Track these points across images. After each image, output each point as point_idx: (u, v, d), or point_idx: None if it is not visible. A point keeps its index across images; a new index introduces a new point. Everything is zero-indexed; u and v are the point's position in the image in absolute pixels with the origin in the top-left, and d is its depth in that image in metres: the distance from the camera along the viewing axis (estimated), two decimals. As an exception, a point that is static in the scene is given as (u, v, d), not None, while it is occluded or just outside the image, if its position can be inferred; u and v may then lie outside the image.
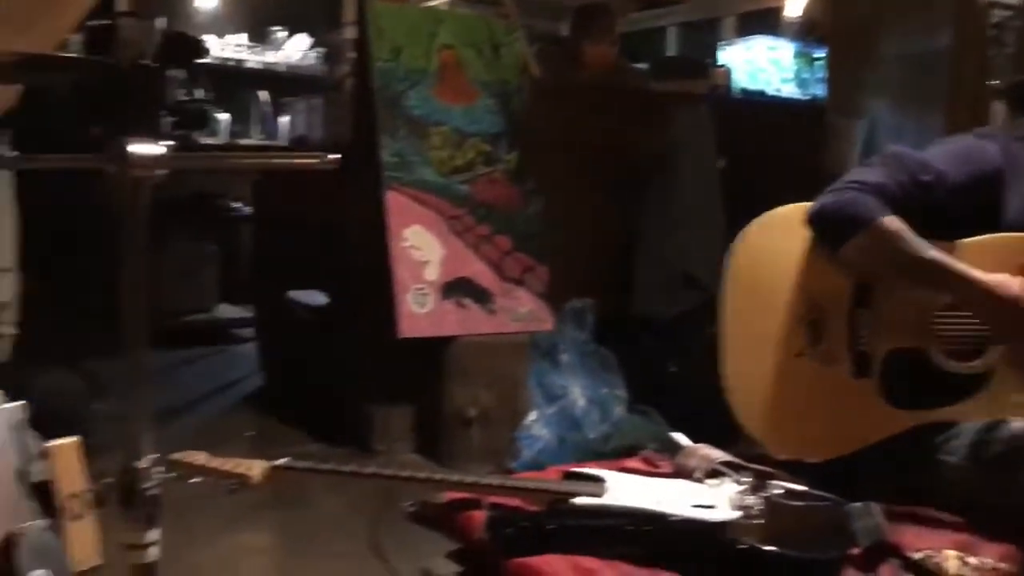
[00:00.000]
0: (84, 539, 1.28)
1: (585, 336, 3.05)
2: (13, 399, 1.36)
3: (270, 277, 4.11)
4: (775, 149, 3.42)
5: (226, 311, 4.94)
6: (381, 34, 3.02)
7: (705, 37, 6.32)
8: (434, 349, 3.03)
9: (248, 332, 4.63)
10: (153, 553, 1.00)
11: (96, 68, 1.12)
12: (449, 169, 3.11)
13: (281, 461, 1.57)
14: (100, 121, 4.77)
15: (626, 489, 1.47)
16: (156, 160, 0.92)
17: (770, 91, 4.86)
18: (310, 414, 3.43)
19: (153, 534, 1.00)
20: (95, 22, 3.77)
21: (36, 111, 2.04)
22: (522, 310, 3.11)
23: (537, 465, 2.74)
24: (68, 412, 1.40)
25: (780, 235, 1.66)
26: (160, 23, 4.73)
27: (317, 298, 3.85)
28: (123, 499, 0.98)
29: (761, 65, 4.99)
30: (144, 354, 1.00)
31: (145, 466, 0.98)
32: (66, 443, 1.32)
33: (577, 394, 2.94)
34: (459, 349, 3.02)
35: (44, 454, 1.30)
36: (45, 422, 1.35)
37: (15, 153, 1.07)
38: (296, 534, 2.54)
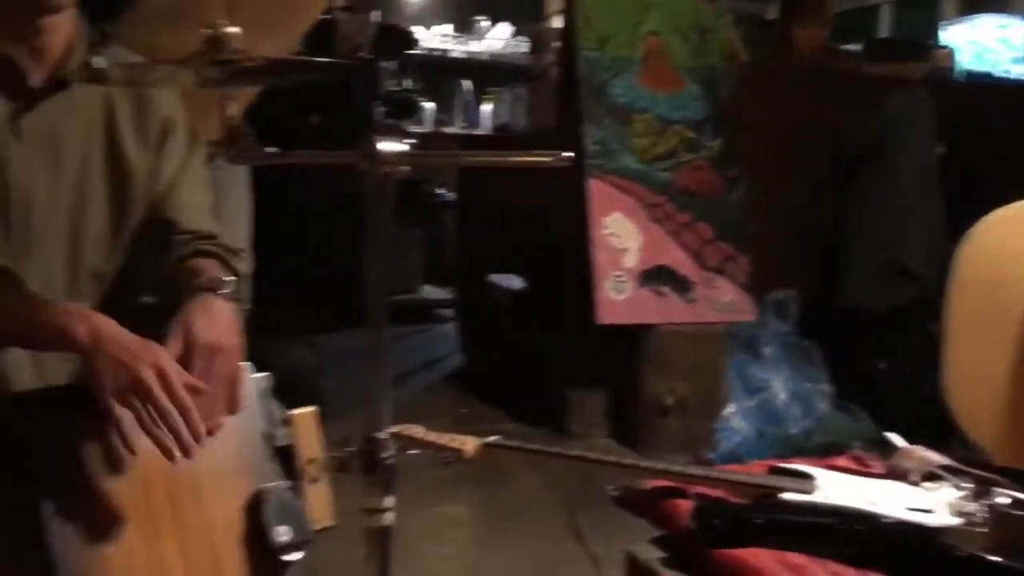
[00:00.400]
0: (321, 501, 1.39)
1: (788, 328, 2.98)
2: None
3: (471, 261, 4.26)
4: (1003, 135, 3.19)
5: (429, 292, 5.16)
6: (588, 24, 3.05)
7: (924, 16, 5.96)
8: (632, 336, 3.04)
9: (450, 313, 4.82)
10: (389, 518, 1.08)
11: (338, 70, 1.21)
12: (651, 156, 3.11)
13: (493, 439, 1.65)
14: (320, 111, 5.09)
15: (837, 487, 1.44)
16: (403, 157, 0.99)
17: (998, 73, 4.53)
18: (508, 394, 3.54)
19: (389, 500, 1.08)
20: (316, 18, 4.01)
21: (263, 103, 2.19)
22: (722, 300, 3.07)
23: (735, 457, 2.72)
24: (304, 383, 1.52)
25: (1016, 232, 1.57)
26: (374, 17, 4.98)
27: (516, 282, 3.96)
28: (364, 466, 1.07)
29: (988, 45, 4.65)
30: (384, 333, 1.07)
31: (384, 437, 1.06)
32: (306, 411, 1.42)
33: (778, 387, 2.88)
34: (657, 337, 3.02)
35: (286, 421, 1.41)
36: (283, 392, 1.47)
37: (273, 149, 1.17)
38: (495, 509, 2.63)
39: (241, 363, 1.34)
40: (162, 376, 1.19)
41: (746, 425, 2.86)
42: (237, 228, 2.59)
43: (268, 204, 2.73)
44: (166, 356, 1.23)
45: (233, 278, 1.40)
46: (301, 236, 5.43)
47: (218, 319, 1.32)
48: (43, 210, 1.43)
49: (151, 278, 1.55)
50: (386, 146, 0.99)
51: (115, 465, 1.21)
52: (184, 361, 1.26)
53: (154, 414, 1.18)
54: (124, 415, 1.17)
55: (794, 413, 2.85)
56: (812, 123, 3.19)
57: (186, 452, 1.20)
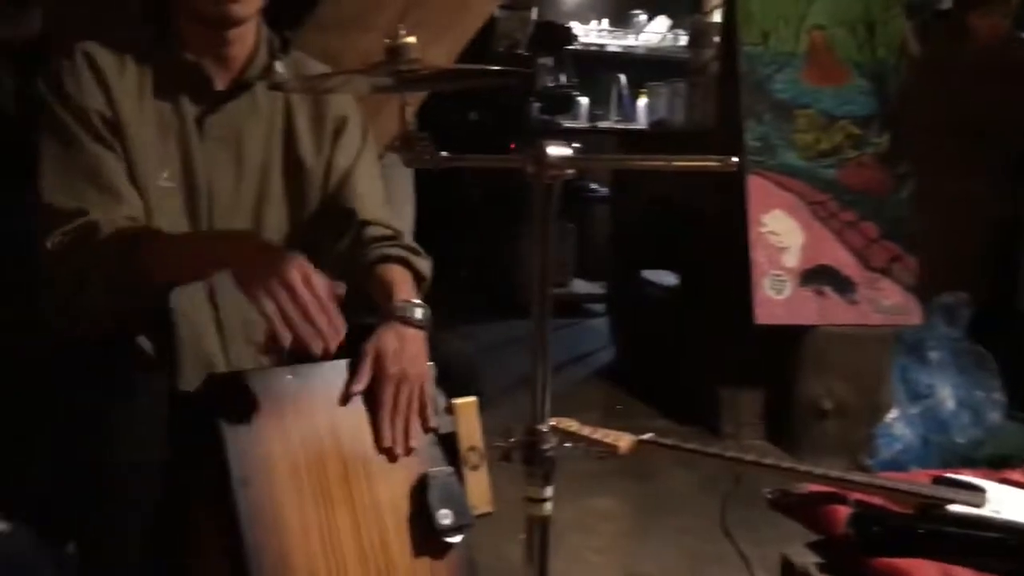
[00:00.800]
0: (480, 487, 1.45)
1: (958, 333, 2.84)
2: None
3: (623, 256, 4.26)
4: None
5: (580, 286, 5.20)
6: (750, 19, 3.00)
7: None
8: (789, 336, 2.98)
9: (600, 307, 4.84)
10: (548, 508, 1.13)
11: (508, 76, 1.25)
12: (815, 153, 3.03)
13: (647, 436, 1.67)
14: (478, 108, 5.21)
15: (1009, 502, 1.39)
16: (569, 161, 1.03)
17: None
18: (658, 390, 3.54)
19: (549, 491, 1.12)
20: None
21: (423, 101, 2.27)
22: (887, 302, 2.96)
23: (897, 465, 2.62)
24: (464, 374, 1.58)
25: None
26: (533, 14, 5.05)
27: (668, 278, 3.94)
28: (525, 457, 1.12)
29: None
30: (546, 326, 1.11)
31: (545, 429, 1.10)
32: (467, 401, 1.48)
33: (946, 394, 2.75)
34: (816, 338, 2.95)
35: (449, 409, 1.48)
36: (444, 382, 1.53)
37: (443, 153, 1.22)
38: (646, 505, 2.65)
39: (429, 387, 1.41)
40: (305, 276, 1.26)
41: (909, 432, 2.75)
42: (403, 221, 2.71)
43: (425, 197, 2.83)
44: (306, 262, 1.29)
45: (421, 305, 1.46)
46: (455, 228, 5.59)
47: (407, 348, 1.40)
48: (227, 205, 1.54)
49: (330, 265, 1.65)
50: (554, 151, 1.02)
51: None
52: (374, 389, 1.36)
53: (296, 309, 1.24)
54: (271, 310, 1.24)
55: (962, 422, 2.71)
56: (989, 117, 3.03)
57: (327, 343, 1.26)
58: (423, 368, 1.42)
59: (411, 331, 1.42)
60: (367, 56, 2.00)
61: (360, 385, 1.37)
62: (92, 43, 1.48)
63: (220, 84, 1.53)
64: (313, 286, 1.26)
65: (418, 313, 1.44)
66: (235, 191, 1.54)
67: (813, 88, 3.04)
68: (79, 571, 1.34)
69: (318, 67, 1.68)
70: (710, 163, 0.94)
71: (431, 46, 1.98)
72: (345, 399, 1.37)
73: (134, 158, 1.46)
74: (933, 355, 2.80)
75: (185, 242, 1.43)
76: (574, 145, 1.05)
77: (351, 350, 1.41)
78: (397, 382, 1.38)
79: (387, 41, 1.16)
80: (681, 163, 0.97)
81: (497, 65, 1.23)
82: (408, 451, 1.38)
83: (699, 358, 3.32)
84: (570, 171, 1.04)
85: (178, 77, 1.51)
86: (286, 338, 1.24)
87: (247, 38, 1.54)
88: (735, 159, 0.92)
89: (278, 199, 1.59)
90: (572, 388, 3.80)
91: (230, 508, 1.23)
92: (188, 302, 1.46)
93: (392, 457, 1.38)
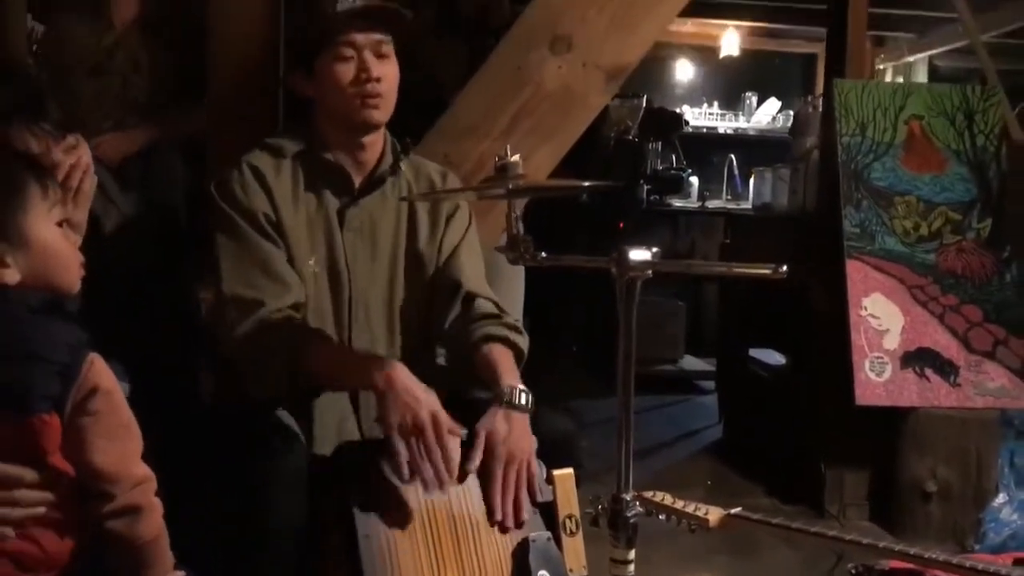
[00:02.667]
0: (576, 552, 1.58)
1: (1068, 418, 2.81)
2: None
3: (733, 334, 4.33)
4: None
5: (690, 363, 5.26)
6: (847, 111, 3.12)
7: None
8: (893, 417, 3.00)
9: (709, 384, 4.89)
10: (631, 569, 1.26)
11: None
12: (914, 238, 3.09)
13: (735, 510, 1.78)
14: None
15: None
16: (646, 264, 1.19)
17: None
18: (764, 469, 3.57)
19: (631, 554, 1.26)
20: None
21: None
22: (991, 385, 2.96)
23: (1005, 551, 2.60)
24: (563, 445, 1.73)
25: None
26: (643, 101, 5.25)
27: (775, 357, 3.99)
28: (610, 523, 1.26)
29: None
30: (630, 404, 1.27)
31: (629, 498, 1.25)
32: (565, 472, 1.62)
33: (1056, 481, 2.73)
34: (919, 420, 2.96)
35: (548, 479, 1.63)
36: (545, 453, 1.69)
37: (542, 254, 1.40)
38: (747, 582, 2.69)
39: (533, 464, 1.59)
40: (435, 421, 1.48)
41: (1018, 518, 2.73)
42: (513, 301, 2.89)
43: (535, 273, 2.99)
44: (439, 404, 1.51)
45: (526, 391, 1.64)
46: (565, 305, 5.74)
47: (514, 430, 1.59)
48: (364, 284, 1.78)
49: (441, 331, 1.85)
50: (633, 254, 1.19)
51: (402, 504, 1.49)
52: (485, 468, 1.55)
53: (423, 450, 1.47)
54: (401, 449, 1.46)
55: (1074, 509, 2.68)
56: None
57: (440, 485, 1.47)
58: (528, 447, 1.60)
59: (517, 415, 1.61)
60: (482, 160, 2.25)
61: (473, 464, 1.56)
62: (254, 153, 1.76)
63: (357, 181, 1.79)
64: (440, 428, 1.48)
65: (523, 398, 1.63)
66: (371, 272, 1.79)
67: (911, 175, 3.12)
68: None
69: (433, 167, 1.94)
70: (763, 271, 1.09)
71: (539, 148, 2.18)
72: (462, 477, 1.55)
73: (290, 248, 1.72)
74: (1042, 440, 2.78)
75: (343, 358, 1.62)
76: (653, 249, 1.21)
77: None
78: (506, 461, 1.56)
79: (496, 160, 1.37)
80: (740, 270, 1.12)
81: (607, 149, 1.41)
82: (520, 524, 1.55)
83: (804, 437, 3.35)
84: (648, 273, 1.20)
85: (323, 176, 1.78)
86: (405, 475, 1.47)
87: (377, 143, 1.81)
88: (784, 268, 1.07)
89: (403, 278, 1.83)
90: (679, 464, 3.85)
91: (355, 559, 1.42)
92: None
93: (503, 529, 1.55)
